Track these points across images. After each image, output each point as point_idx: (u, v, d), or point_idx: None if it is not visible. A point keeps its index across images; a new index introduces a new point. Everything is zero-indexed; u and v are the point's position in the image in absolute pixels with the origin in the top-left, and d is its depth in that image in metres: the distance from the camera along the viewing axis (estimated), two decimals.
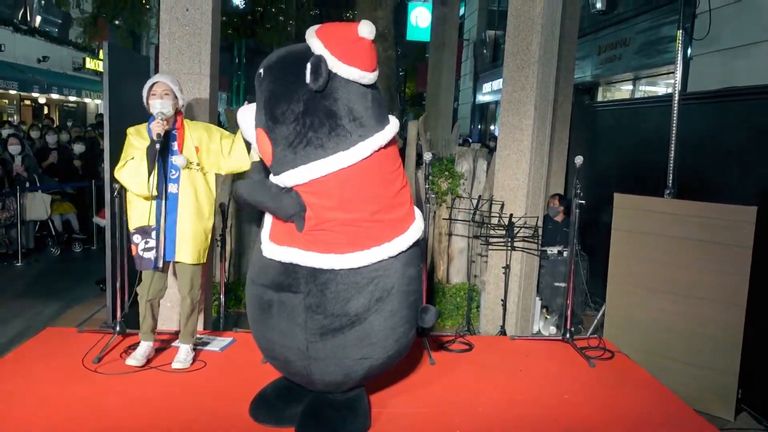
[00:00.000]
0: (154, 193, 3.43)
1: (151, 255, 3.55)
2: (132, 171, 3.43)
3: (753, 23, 7.40)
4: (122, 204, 3.79)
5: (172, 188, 3.56)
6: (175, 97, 3.55)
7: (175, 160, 3.52)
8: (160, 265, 3.57)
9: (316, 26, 2.84)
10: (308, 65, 2.68)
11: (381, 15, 7.70)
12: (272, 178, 2.83)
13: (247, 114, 2.97)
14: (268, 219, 2.91)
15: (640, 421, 3.24)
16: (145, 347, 3.69)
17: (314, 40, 2.74)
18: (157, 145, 3.38)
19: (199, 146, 3.61)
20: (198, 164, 3.59)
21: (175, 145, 3.55)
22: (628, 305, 4.55)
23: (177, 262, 3.65)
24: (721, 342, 4.11)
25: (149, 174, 3.38)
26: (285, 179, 2.73)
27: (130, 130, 3.61)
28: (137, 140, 3.52)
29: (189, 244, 3.58)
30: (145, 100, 3.58)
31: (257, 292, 2.92)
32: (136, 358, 3.59)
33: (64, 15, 16.85)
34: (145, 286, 3.64)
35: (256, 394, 3.11)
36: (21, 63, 15.98)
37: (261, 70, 2.87)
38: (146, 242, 3.54)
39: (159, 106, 3.46)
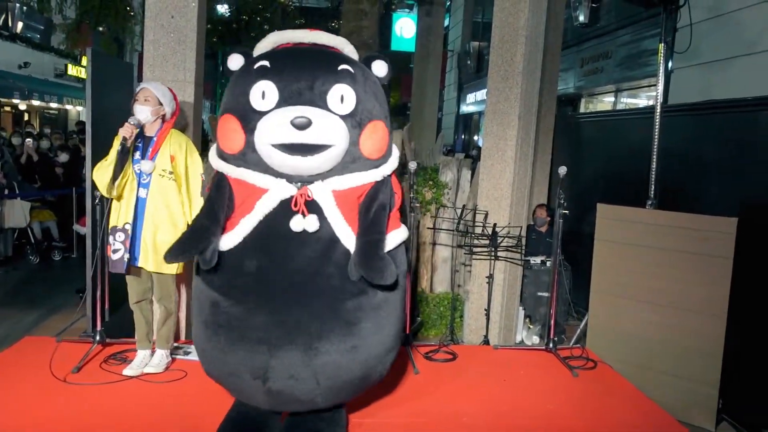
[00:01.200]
0: (114, 194, 3.47)
1: (117, 256, 3.53)
2: (100, 171, 3.46)
3: (731, 38, 7.51)
4: (103, 211, 3.76)
5: (141, 193, 3.55)
6: (159, 104, 3.54)
7: (143, 164, 3.52)
8: (123, 269, 3.54)
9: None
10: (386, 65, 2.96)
11: (366, 25, 7.70)
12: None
13: None
14: None
15: (622, 430, 3.26)
16: (141, 356, 3.66)
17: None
18: (121, 147, 3.39)
19: (175, 156, 3.59)
20: (171, 172, 3.57)
21: (150, 151, 3.53)
22: (610, 315, 4.57)
23: (141, 267, 3.62)
24: (702, 352, 4.14)
25: (115, 177, 3.38)
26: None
27: (119, 134, 3.60)
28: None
29: (154, 251, 3.55)
30: (131, 105, 3.58)
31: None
32: (132, 368, 3.57)
33: (47, 21, 16.69)
34: (129, 290, 3.67)
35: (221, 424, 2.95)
36: (1, 69, 15.79)
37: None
38: (114, 244, 3.54)
39: (136, 111, 3.50)
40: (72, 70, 19.79)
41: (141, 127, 3.54)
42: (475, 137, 20.69)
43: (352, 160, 2.77)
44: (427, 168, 6.13)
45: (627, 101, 11.46)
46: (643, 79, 10.22)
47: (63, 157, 8.64)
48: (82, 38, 10.40)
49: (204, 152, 3.74)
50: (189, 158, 3.67)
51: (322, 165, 2.68)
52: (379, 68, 2.97)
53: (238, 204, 2.79)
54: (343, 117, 2.69)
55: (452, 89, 22.73)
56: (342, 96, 2.70)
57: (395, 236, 2.91)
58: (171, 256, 2.70)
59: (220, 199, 2.80)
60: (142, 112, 3.50)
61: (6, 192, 7.59)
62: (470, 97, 20.79)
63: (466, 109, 21.80)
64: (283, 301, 2.69)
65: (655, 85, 4.87)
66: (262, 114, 2.65)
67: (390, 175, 2.98)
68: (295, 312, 2.68)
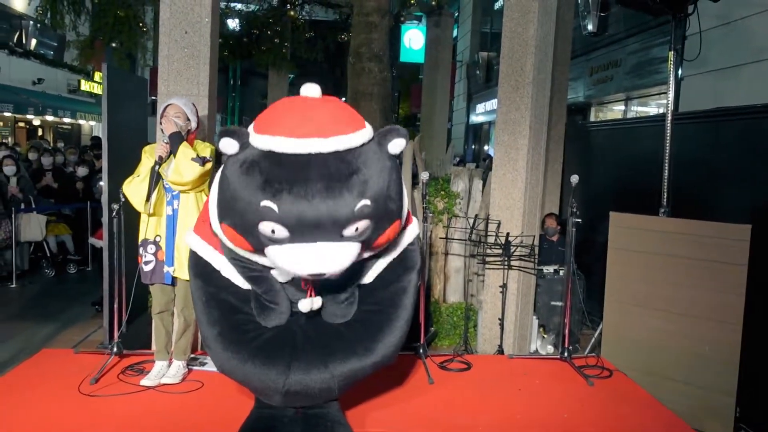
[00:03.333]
0: (151, 211, 3.54)
1: (149, 267, 3.64)
2: (134, 188, 3.53)
3: (741, 45, 7.52)
4: (120, 224, 3.81)
5: (174, 204, 3.63)
6: (187, 119, 3.60)
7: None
8: (156, 279, 3.65)
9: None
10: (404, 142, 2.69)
11: (375, 37, 7.76)
12: None
13: None
14: None
15: None
16: (159, 367, 3.70)
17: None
18: (158, 167, 3.44)
19: None
20: None
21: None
22: (625, 324, 4.56)
23: (175, 277, 3.67)
24: (717, 361, 4.12)
25: (149, 193, 3.45)
26: None
27: (146, 148, 3.72)
28: (148, 158, 3.60)
29: (184, 262, 3.61)
30: (158, 120, 3.64)
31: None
32: (149, 379, 3.61)
33: (60, 37, 16.93)
34: (153, 300, 3.78)
35: None
36: (16, 85, 16.01)
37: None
38: (145, 256, 3.65)
39: (166, 127, 3.56)
40: (85, 85, 20.02)
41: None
42: (485, 147, 20.71)
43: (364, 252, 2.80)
44: (438, 178, 6.16)
45: (637, 109, 11.45)
46: (652, 87, 10.22)
47: (81, 171, 8.74)
48: (95, 54, 10.56)
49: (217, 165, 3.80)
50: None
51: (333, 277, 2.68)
52: (395, 147, 2.67)
53: None
54: (359, 240, 2.58)
55: (461, 99, 22.79)
56: (357, 227, 2.51)
57: (410, 232, 3.07)
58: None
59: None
60: (176, 127, 3.56)
61: (22, 206, 7.69)
62: (480, 107, 20.83)
63: (475, 119, 21.83)
64: (301, 318, 2.89)
65: (665, 93, 4.87)
66: (273, 241, 2.49)
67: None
68: (314, 327, 2.87)
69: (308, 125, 2.48)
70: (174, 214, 3.63)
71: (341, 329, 2.95)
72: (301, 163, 2.42)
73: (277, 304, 2.91)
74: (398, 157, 2.74)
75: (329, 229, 2.43)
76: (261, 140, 2.50)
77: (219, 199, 2.63)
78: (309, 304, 2.83)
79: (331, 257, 2.46)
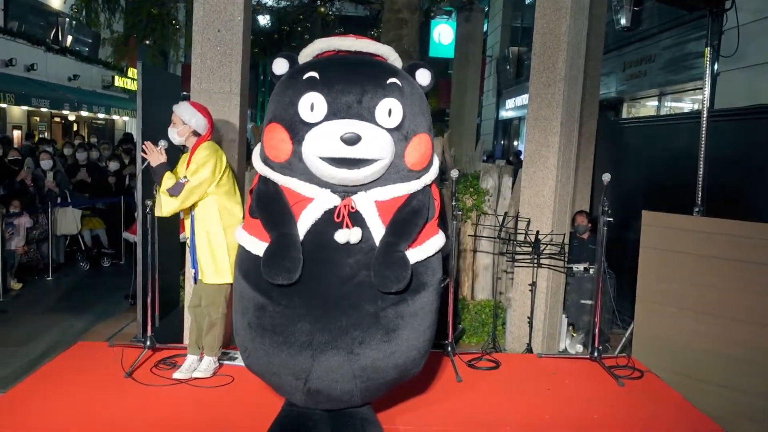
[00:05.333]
0: (159, 214, 3.68)
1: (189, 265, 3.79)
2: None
3: None
4: (153, 220, 3.88)
5: (191, 210, 3.72)
6: (184, 123, 3.65)
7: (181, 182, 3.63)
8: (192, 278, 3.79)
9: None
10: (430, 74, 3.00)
11: (406, 33, 7.75)
12: None
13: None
14: None
15: None
16: (190, 360, 3.77)
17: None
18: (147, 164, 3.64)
19: None
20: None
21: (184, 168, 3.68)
22: (657, 324, 4.50)
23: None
24: (751, 363, 4.04)
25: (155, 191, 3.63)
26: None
27: (182, 158, 3.82)
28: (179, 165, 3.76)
29: (207, 265, 3.69)
30: None
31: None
32: (181, 372, 3.68)
33: (95, 34, 17.24)
34: (187, 294, 3.95)
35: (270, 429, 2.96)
36: (53, 81, 16.35)
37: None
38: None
39: (169, 136, 3.71)
40: (119, 81, 20.38)
41: (183, 146, 3.77)
42: (515, 143, 20.55)
43: (395, 171, 2.82)
44: (467, 175, 6.14)
45: (671, 105, 11.25)
46: (687, 83, 10.03)
47: (113, 166, 8.90)
48: (129, 52, 10.74)
49: (248, 161, 3.86)
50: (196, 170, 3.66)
51: (368, 177, 2.73)
52: (423, 77, 3.00)
53: None
54: (390, 130, 2.73)
55: (491, 95, 22.63)
56: (390, 110, 2.74)
57: (432, 243, 2.94)
58: (275, 273, 2.68)
59: (285, 206, 2.83)
60: (170, 133, 3.70)
61: (58, 200, 7.86)
62: (509, 103, 20.66)
63: (505, 114, 21.67)
64: (328, 308, 2.75)
65: (700, 89, 4.79)
66: (311, 125, 2.70)
67: (430, 185, 3.01)
68: (338, 319, 2.75)
69: (349, 42, 2.99)
70: (191, 219, 3.72)
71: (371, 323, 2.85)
72: (340, 56, 2.93)
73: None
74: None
75: (363, 104, 2.69)
76: (305, 53, 2.96)
77: (268, 109, 2.91)
78: (346, 234, 2.71)
79: (364, 131, 2.62)
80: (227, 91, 4.36)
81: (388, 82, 2.78)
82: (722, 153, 4.92)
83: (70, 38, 17.73)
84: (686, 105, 10.86)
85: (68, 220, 7.93)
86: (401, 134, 2.77)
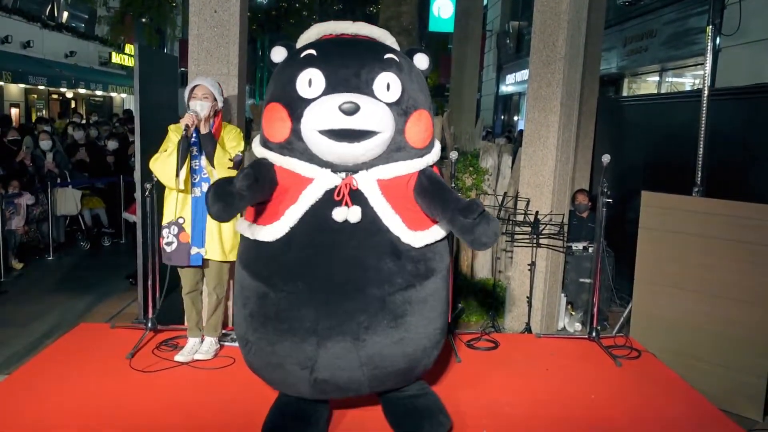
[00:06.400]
0: (182, 186, 3.53)
1: (170, 248, 3.67)
2: (163, 163, 3.53)
3: None
4: (153, 202, 3.88)
5: (202, 187, 3.64)
6: (215, 100, 3.63)
7: (204, 160, 3.60)
8: (178, 261, 3.68)
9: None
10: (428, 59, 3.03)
11: (405, 10, 7.66)
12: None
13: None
14: None
15: (667, 421, 3.25)
16: (192, 343, 3.80)
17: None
18: (186, 135, 3.44)
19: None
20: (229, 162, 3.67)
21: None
22: (655, 304, 4.53)
23: (206, 259, 3.73)
24: (749, 342, 4.08)
25: (179, 167, 3.45)
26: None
27: (172, 127, 3.72)
28: (175, 135, 3.61)
29: (216, 242, 3.67)
30: (186, 101, 3.66)
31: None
32: (183, 354, 3.71)
33: (90, 10, 17.08)
34: (183, 281, 3.80)
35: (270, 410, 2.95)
36: (49, 58, 16.24)
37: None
38: (168, 237, 3.67)
39: (198, 107, 3.56)
40: (116, 58, 20.22)
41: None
42: (515, 118, 20.46)
43: (397, 149, 2.77)
44: (467, 153, 6.12)
45: (672, 81, 11.18)
46: (689, 59, 9.96)
47: (112, 145, 8.88)
48: (125, 29, 10.64)
49: (247, 141, 3.84)
50: (232, 136, 3.75)
51: (369, 152, 2.68)
52: (421, 61, 2.99)
53: (282, 192, 2.80)
54: (389, 104, 2.70)
55: (491, 70, 22.48)
56: (388, 84, 2.72)
57: (438, 230, 2.92)
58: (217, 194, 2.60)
59: (262, 168, 2.81)
60: (203, 108, 3.57)
61: (58, 181, 7.85)
62: (509, 78, 20.54)
63: (505, 89, 21.55)
64: (332, 293, 2.70)
65: (701, 65, 4.76)
66: (309, 101, 2.67)
67: (432, 166, 2.98)
68: (344, 303, 2.69)
69: (345, 25, 3.02)
70: (203, 195, 3.62)
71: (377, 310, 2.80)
72: (338, 38, 2.95)
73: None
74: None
75: (361, 77, 2.69)
76: (303, 38, 2.97)
77: (267, 92, 2.95)
78: (344, 213, 2.68)
79: (362, 101, 2.59)
80: (225, 73, 4.33)
81: (385, 57, 2.79)
82: (723, 132, 4.90)
83: (66, 14, 17.56)
84: (687, 81, 10.80)
85: (68, 201, 7.94)
86: (400, 109, 2.74)
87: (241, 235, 2.98)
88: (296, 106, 2.70)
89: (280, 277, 2.76)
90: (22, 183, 7.34)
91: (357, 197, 2.73)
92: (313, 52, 2.77)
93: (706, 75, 4.72)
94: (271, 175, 2.80)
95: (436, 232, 2.87)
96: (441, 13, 17.73)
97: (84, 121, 12.39)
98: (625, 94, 12.59)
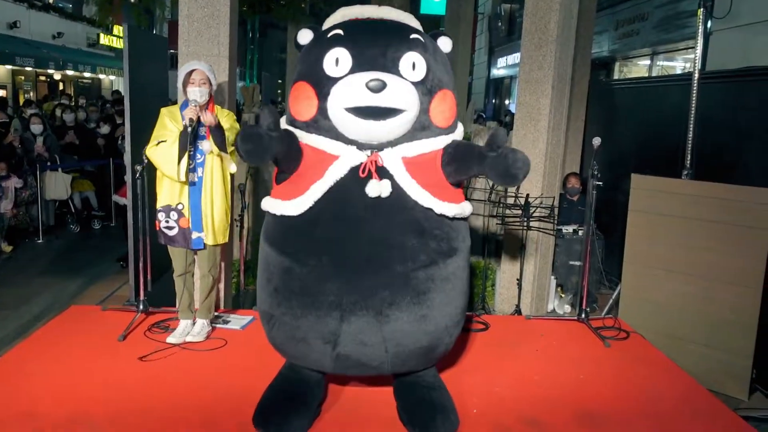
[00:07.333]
0: (182, 178, 3.53)
1: (172, 233, 3.67)
2: (164, 154, 3.51)
3: None
4: (144, 185, 3.87)
5: (198, 172, 3.64)
6: (211, 84, 3.62)
7: (202, 145, 3.60)
8: (182, 245, 3.69)
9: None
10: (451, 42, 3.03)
11: None
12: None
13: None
14: None
15: (654, 401, 3.29)
16: (183, 325, 3.80)
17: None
18: (189, 129, 3.45)
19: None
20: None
21: (203, 131, 3.60)
22: (644, 286, 4.57)
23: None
24: (736, 324, 4.14)
25: (180, 159, 3.46)
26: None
27: (164, 111, 3.68)
28: (170, 122, 3.58)
29: (211, 225, 3.68)
30: (181, 86, 3.63)
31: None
32: (174, 336, 3.71)
33: None
34: (174, 263, 3.79)
35: (257, 407, 2.89)
36: (36, 39, 16.03)
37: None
38: (167, 221, 3.66)
39: (198, 94, 3.53)
40: (104, 39, 20.00)
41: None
42: (507, 101, 20.44)
43: (421, 128, 2.80)
44: None
45: (663, 64, 11.20)
46: (680, 42, 9.97)
47: (104, 129, 8.82)
48: (113, 10, 10.51)
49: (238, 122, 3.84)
50: (226, 119, 3.73)
51: (394, 130, 2.71)
52: (445, 44, 3.02)
53: (307, 168, 2.80)
54: (414, 84, 2.72)
55: (482, 53, 22.41)
56: (414, 63, 2.74)
57: (465, 205, 2.94)
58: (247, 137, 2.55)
59: (288, 131, 2.82)
60: (203, 94, 3.55)
61: (48, 164, 7.80)
62: (501, 61, 20.49)
63: (496, 72, 21.51)
64: (357, 268, 2.71)
65: (692, 48, 4.77)
66: (336, 80, 2.69)
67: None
68: (367, 278, 2.70)
69: (371, 9, 3.00)
70: (199, 180, 3.63)
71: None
72: (364, 20, 2.95)
73: None
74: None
75: (387, 56, 2.71)
76: (329, 21, 2.98)
77: (295, 72, 2.94)
78: (377, 187, 2.67)
79: (390, 84, 2.60)
80: (215, 54, 4.29)
81: (411, 37, 2.82)
82: (713, 115, 4.92)
83: None
84: (678, 64, 10.81)
85: (58, 185, 7.89)
86: (425, 87, 2.77)
87: (267, 213, 2.96)
88: (323, 85, 2.73)
89: (306, 252, 2.76)
90: (10, 165, 7.28)
91: (382, 174, 2.74)
92: (340, 32, 2.81)
93: (697, 58, 4.73)
94: (297, 141, 2.81)
95: (464, 208, 2.91)
96: None
97: (72, 103, 12.26)
98: (616, 77, 12.59)
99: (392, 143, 2.76)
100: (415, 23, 3.03)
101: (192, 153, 3.57)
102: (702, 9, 4.66)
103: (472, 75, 21.53)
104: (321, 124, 2.76)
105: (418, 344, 2.81)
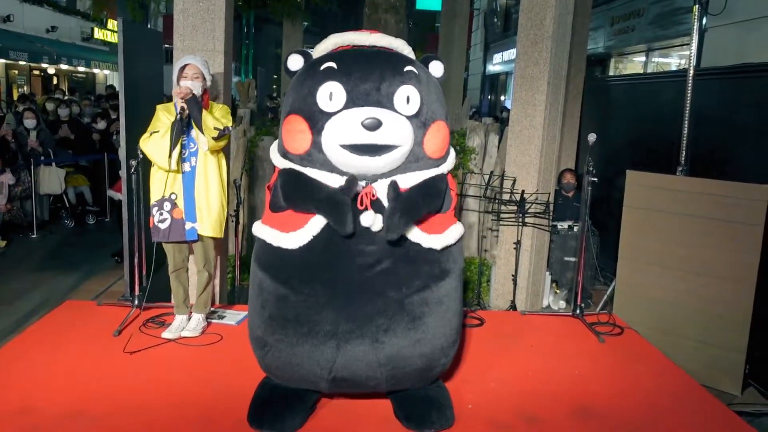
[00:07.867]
0: (174, 167, 3.53)
1: (165, 225, 3.65)
2: (155, 144, 3.51)
3: None
4: (139, 180, 3.86)
5: (191, 162, 3.65)
6: (204, 79, 3.61)
7: (193, 133, 3.59)
8: (174, 237, 3.67)
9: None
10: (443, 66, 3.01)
11: None
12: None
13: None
14: None
15: (649, 396, 3.31)
16: (179, 320, 3.80)
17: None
18: (179, 117, 3.44)
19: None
20: None
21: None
22: (638, 282, 4.59)
23: (198, 234, 3.73)
24: (730, 319, 4.16)
25: (172, 148, 3.44)
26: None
27: (160, 107, 3.69)
28: (165, 116, 3.58)
29: (206, 218, 3.67)
30: (175, 80, 3.62)
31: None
32: (170, 332, 3.70)
33: None
34: (169, 259, 3.78)
35: (251, 405, 2.92)
36: (30, 33, 15.94)
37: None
38: (161, 214, 3.65)
39: (189, 87, 3.52)
40: (98, 33, 19.89)
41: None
42: (502, 98, 20.44)
43: (415, 160, 2.79)
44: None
45: (658, 61, 11.21)
46: (675, 38, 9.99)
47: (101, 125, 8.78)
48: (108, 4, 10.45)
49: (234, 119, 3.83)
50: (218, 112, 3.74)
51: (389, 165, 2.70)
52: (436, 69, 3.00)
53: None
54: (408, 117, 2.70)
55: (478, 49, 22.40)
56: (408, 97, 2.71)
57: (453, 231, 2.94)
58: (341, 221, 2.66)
59: (313, 179, 2.80)
60: (196, 87, 3.55)
61: (42, 158, 7.76)
62: (497, 57, 20.48)
63: (492, 69, 21.50)
64: (351, 296, 2.74)
65: (687, 45, 4.78)
66: (330, 115, 2.66)
67: (447, 174, 3.01)
68: (363, 307, 2.73)
69: (363, 37, 2.96)
70: (192, 170, 3.63)
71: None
72: (355, 49, 2.89)
73: None
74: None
75: (382, 91, 2.68)
76: (320, 48, 2.92)
77: (285, 102, 2.91)
78: (371, 217, 2.68)
79: (384, 116, 2.59)
80: (211, 48, 4.28)
81: (405, 69, 2.76)
82: (708, 112, 4.94)
83: None
84: (674, 60, 10.83)
85: (52, 180, 7.86)
86: (419, 121, 2.75)
87: (258, 238, 2.97)
88: (317, 119, 2.69)
89: (299, 280, 2.78)
90: (3, 160, 7.24)
91: (376, 205, 2.75)
92: (332, 65, 2.75)
93: (692, 55, 4.74)
94: (310, 177, 2.81)
95: (449, 237, 2.90)
96: None
97: (66, 98, 12.20)
98: (611, 73, 12.62)
99: (386, 174, 2.76)
100: (407, 50, 2.99)
101: (185, 142, 3.57)
102: (697, 5, 4.68)
103: (468, 71, 21.52)
104: (315, 158, 2.74)
105: (413, 367, 2.84)
